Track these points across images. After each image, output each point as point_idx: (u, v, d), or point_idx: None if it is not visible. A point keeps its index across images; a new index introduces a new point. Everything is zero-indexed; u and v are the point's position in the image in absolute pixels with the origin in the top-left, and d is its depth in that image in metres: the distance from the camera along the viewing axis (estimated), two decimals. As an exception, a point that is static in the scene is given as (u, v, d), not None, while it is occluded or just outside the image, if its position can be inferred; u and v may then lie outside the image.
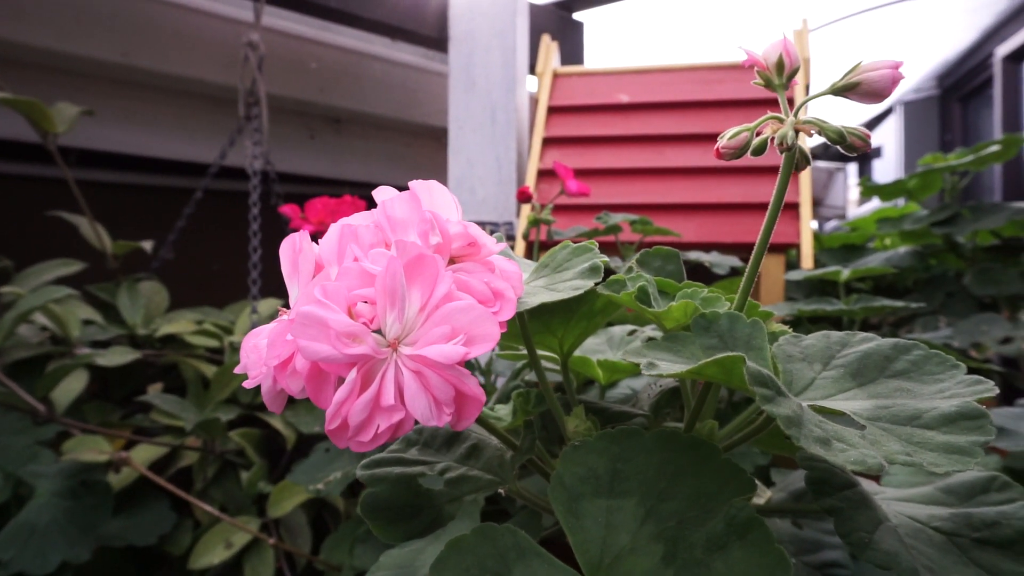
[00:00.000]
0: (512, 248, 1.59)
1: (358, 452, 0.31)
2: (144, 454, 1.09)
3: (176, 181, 1.92)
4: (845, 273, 1.11)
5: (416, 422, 0.31)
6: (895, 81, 0.36)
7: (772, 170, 1.45)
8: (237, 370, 0.36)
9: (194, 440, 1.15)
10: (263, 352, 0.34)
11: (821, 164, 3.03)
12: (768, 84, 0.40)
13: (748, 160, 1.42)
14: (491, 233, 1.35)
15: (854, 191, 3.36)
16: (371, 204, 1.15)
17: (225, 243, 1.89)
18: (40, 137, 1.26)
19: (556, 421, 0.54)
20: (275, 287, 1.54)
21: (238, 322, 1.34)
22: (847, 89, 0.37)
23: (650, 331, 0.72)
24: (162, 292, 1.37)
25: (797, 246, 1.39)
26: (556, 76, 1.69)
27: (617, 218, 1.17)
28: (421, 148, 2.04)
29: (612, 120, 1.61)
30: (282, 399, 0.34)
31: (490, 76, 1.64)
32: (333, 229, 0.35)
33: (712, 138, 1.59)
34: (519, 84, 1.66)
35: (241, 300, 1.55)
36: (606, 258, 0.40)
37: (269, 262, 1.57)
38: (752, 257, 0.41)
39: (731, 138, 0.38)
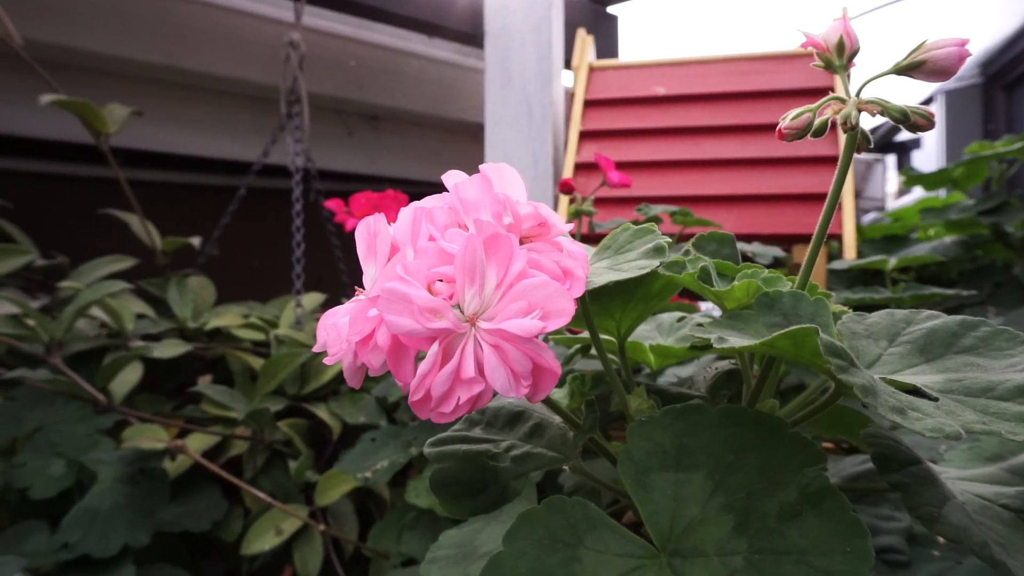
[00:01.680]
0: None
1: (438, 423, 0.32)
2: (196, 444, 1.12)
3: (214, 179, 1.96)
4: (892, 262, 1.10)
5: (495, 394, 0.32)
6: (962, 59, 0.36)
7: (811, 160, 1.44)
8: (316, 348, 0.38)
9: (243, 430, 1.18)
10: (343, 330, 0.36)
11: (860, 156, 2.97)
12: (828, 66, 0.41)
13: (786, 151, 1.41)
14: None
15: (892, 183, 3.30)
16: (413, 199, 1.16)
17: (265, 239, 1.93)
18: (93, 138, 1.31)
19: (608, 406, 0.55)
20: (316, 281, 1.57)
21: (282, 316, 1.37)
22: (912, 68, 0.37)
23: (699, 318, 0.72)
24: (209, 287, 1.41)
25: (839, 237, 1.38)
26: (592, 70, 1.69)
27: (657, 209, 1.17)
28: (456, 144, 2.06)
29: (648, 113, 1.61)
30: (362, 374, 0.36)
31: (526, 71, 1.65)
32: (405, 212, 0.37)
33: (749, 129, 1.58)
34: (555, 79, 1.67)
35: (282, 295, 1.58)
36: (668, 238, 0.41)
37: (310, 257, 1.61)
38: (813, 239, 0.42)
39: (793, 119, 0.39)
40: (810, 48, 0.42)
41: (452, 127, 2.01)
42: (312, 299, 1.40)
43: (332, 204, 1.15)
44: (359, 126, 1.90)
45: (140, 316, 1.26)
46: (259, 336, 1.32)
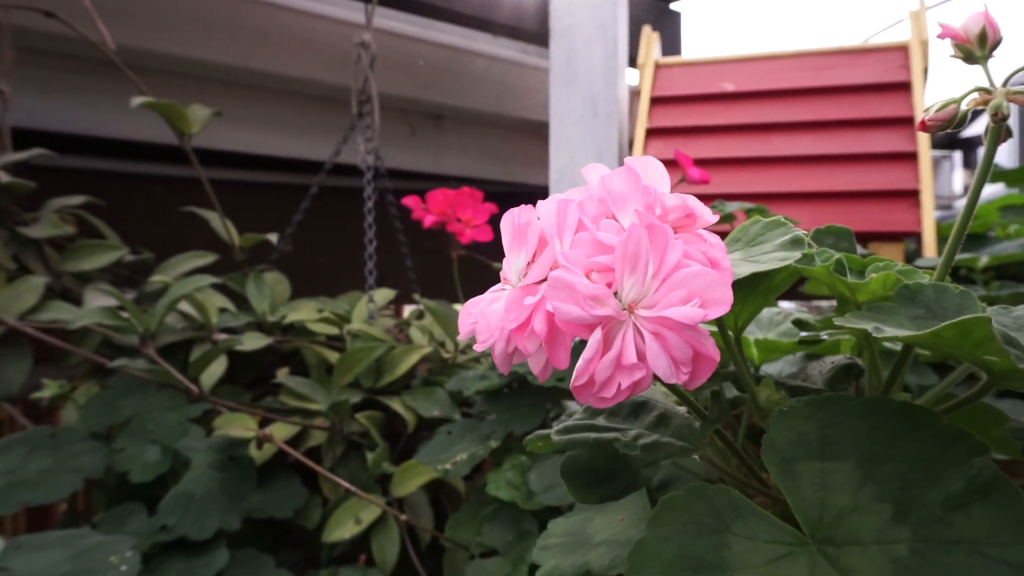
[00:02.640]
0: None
1: (598, 408, 0.33)
2: (277, 434, 1.16)
3: (280, 177, 2.02)
4: (983, 260, 1.07)
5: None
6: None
7: (888, 156, 1.41)
8: (462, 337, 0.39)
9: (320, 421, 1.21)
10: (492, 317, 0.37)
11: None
12: (969, 57, 0.40)
13: (862, 147, 1.38)
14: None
15: (959, 181, 3.20)
16: (487, 197, 1.17)
17: (330, 236, 1.98)
18: (177, 138, 1.35)
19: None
20: (381, 278, 1.60)
21: (354, 311, 1.41)
22: (1066, 57, 0.37)
23: (796, 312, 0.72)
24: (284, 282, 1.45)
25: (918, 235, 1.34)
26: (658, 67, 1.68)
27: (733, 207, 1.17)
28: (518, 142, 2.08)
29: (716, 110, 1.60)
30: (512, 360, 0.37)
31: (591, 68, 1.65)
32: (549, 204, 0.38)
33: (822, 125, 1.55)
34: (620, 76, 1.67)
35: (348, 291, 1.62)
36: (803, 231, 0.41)
37: (376, 254, 1.64)
38: (953, 233, 0.41)
39: (938, 111, 0.38)
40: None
41: (514, 125, 2.03)
42: (383, 295, 1.43)
43: (409, 201, 1.18)
44: (423, 125, 1.93)
45: (222, 310, 1.30)
46: (333, 330, 1.35)
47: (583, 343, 0.34)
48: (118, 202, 1.48)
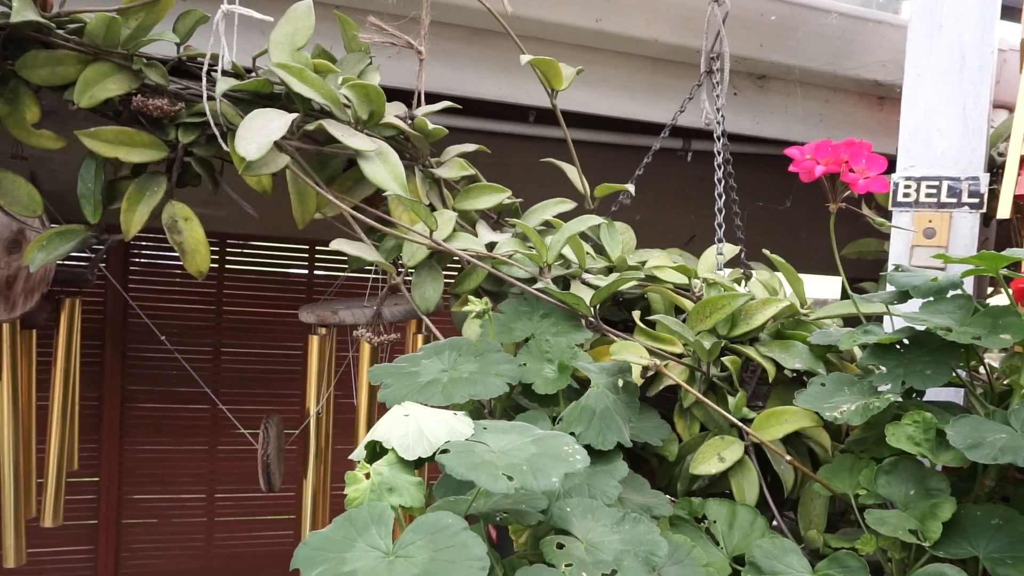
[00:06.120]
0: (980, 206, 1.46)
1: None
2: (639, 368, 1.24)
3: (594, 136, 2.11)
4: None
5: None
6: None
7: None
8: None
9: (677, 361, 1.27)
10: None
11: None
12: None
13: None
14: (950, 191, 1.25)
15: None
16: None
17: (643, 195, 2.04)
18: (548, 94, 1.47)
19: None
20: (690, 237, 1.62)
21: (701, 261, 1.45)
22: None
23: None
24: (629, 232, 1.53)
25: None
26: (1048, 12, 1.50)
27: None
28: (841, 105, 1.97)
29: None
30: None
31: (961, 16, 1.52)
32: None
33: None
34: (995, 24, 1.51)
35: (667, 246, 1.65)
36: None
37: (684, 214, 1.66)
38: None
39: None
40: None
41: (843, 85, 1.92)
42: (731, 249, 1.46)
43: (791, 151, 1.17)
44: (746, 86, 1.91)
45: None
46: (680, 279, 1.40)
47: None
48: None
